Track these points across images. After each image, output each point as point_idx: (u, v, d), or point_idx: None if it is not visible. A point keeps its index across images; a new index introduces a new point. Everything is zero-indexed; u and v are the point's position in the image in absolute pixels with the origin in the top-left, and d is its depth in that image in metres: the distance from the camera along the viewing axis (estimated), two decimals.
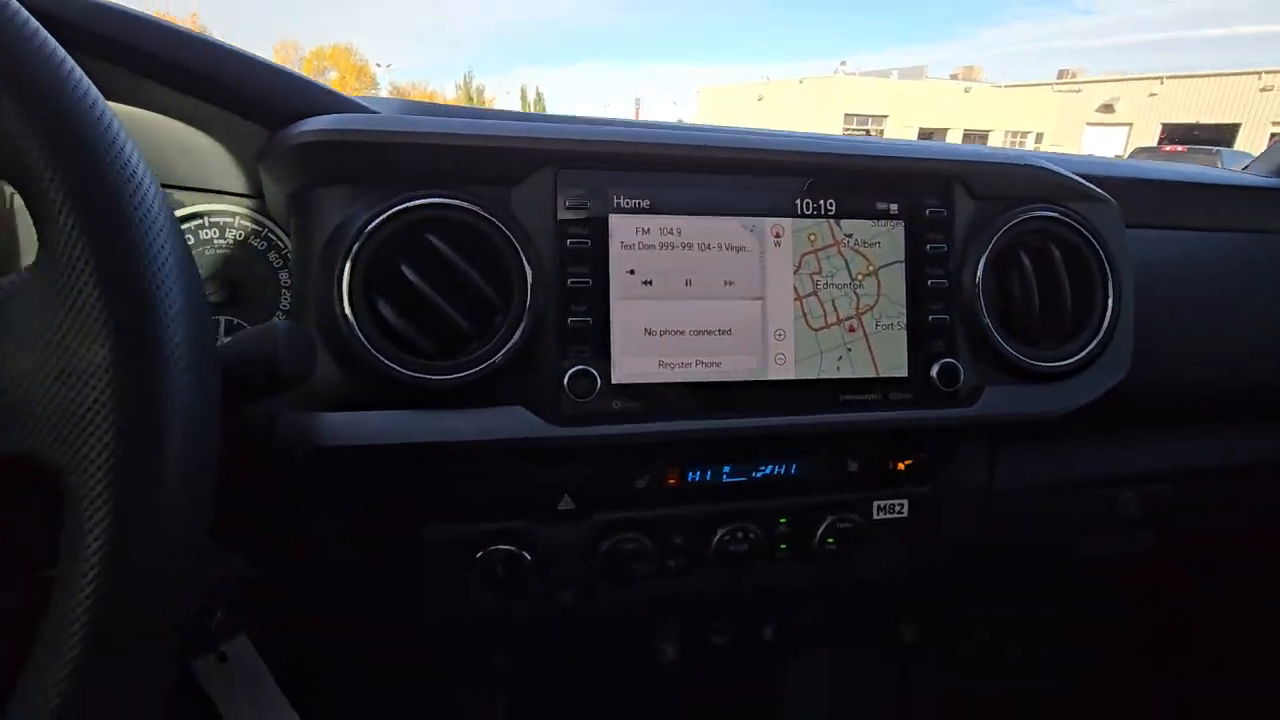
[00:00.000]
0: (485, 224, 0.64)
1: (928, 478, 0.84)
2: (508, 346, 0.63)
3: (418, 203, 0.63)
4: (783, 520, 0.81)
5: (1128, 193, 0.84)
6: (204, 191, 0.79)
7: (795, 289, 0.72)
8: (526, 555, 0.73)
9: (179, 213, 0.79)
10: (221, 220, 0.81)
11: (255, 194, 0.78)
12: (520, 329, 0.63)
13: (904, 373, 0.73)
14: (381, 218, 0.62)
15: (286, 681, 0.68)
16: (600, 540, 0.75)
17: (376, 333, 0.62)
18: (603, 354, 0.67)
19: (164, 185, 0.79)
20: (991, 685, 1.78)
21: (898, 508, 0.84)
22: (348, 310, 0.61)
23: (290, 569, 0.71)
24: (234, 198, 0.80)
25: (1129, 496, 0.94)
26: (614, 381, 0.67)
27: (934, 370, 0.72)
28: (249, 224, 0.82)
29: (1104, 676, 1.55)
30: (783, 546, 0.82)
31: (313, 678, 0.78)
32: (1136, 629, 1.60)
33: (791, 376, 0.71)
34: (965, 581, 0.98)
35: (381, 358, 0.61)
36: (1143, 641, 1.62)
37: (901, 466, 0.80)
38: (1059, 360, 0.76)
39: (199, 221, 0.81)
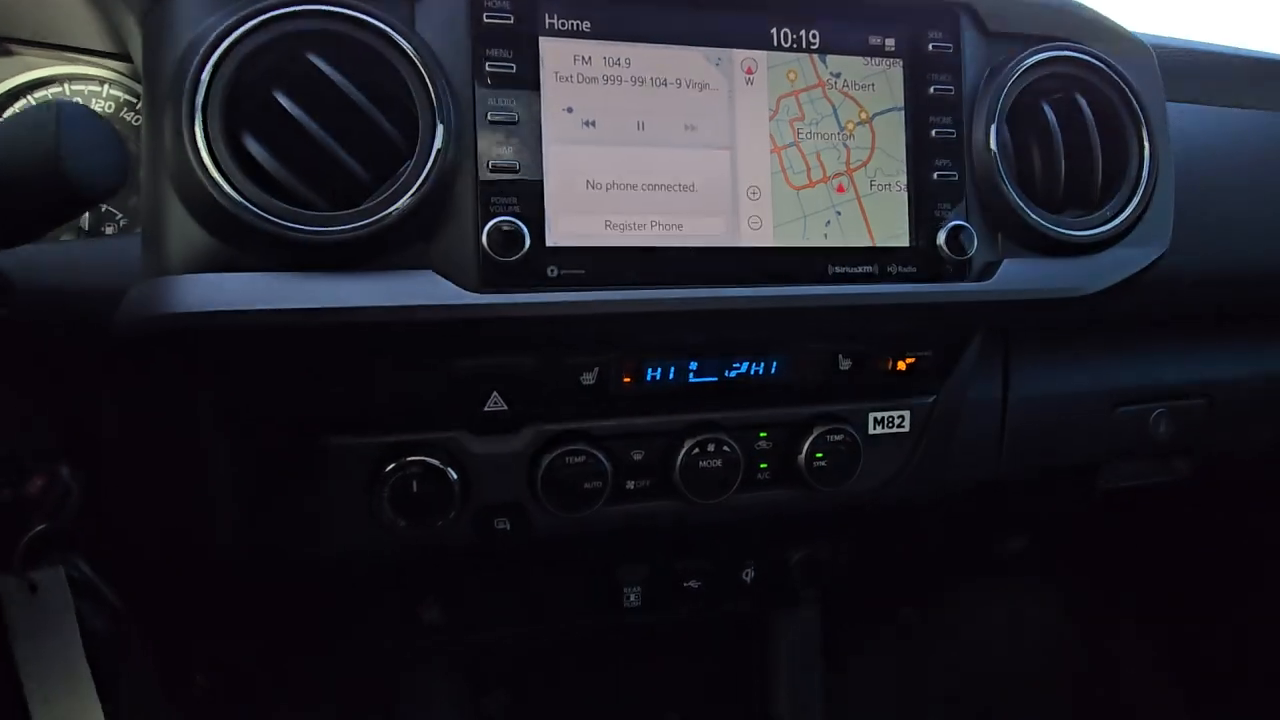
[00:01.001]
0: (383, 42, 0.51)
1: (932, 384, 0.71)
2: (411, 192, 0.50)
3: (296, 8, 0.49)
4: (763, 435, 0.68)
5: (1169, 63, 0.71)
6: (60, 50, 0.66)
7: (772, 138, 0.59)
8: (451, 472, 0.60)
9: (26, 77, 0.65)
10: (86, 88, 0.67)
11: (126, 54, 0.65)
12: (427, 173, 0.50)
13: (905, 241, 0.61)
14: (247, 27, 0.48)
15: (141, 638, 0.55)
16: (542, 454, 0.62)
17: (243, 177, 0.48)
18: (534, 210, 0.53)
19: (5, 40, 0.66)
20: (999, 664, 1.69)
21: (897, 420, 0.72)
22: (200, 144, 0.47)
23: (132, 482, 0.57)
24: (99, 60, 0.67)
25: (1159, 413, 0.82)
26: (549, 244, 0.54)
27: (940, 236, 0.60)
28: (119, 93, 0.68)
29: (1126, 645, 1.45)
30: (763, 466, 0.69)
31: (177, 634, 0.65)
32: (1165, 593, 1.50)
33: (769, 244, 0.58)
34: (974, 522, 0.85)
35: (249, 204, 0.48)
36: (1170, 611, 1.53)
37: (903, 366, 0.68)
38: (1089, 229, 0.63)
39: (56, 89, 0.67)
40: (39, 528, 0.47)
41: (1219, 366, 0.85)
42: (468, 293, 0.51)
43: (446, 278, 0.51)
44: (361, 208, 0.50)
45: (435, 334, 0.52)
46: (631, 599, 0.74)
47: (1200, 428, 0.84)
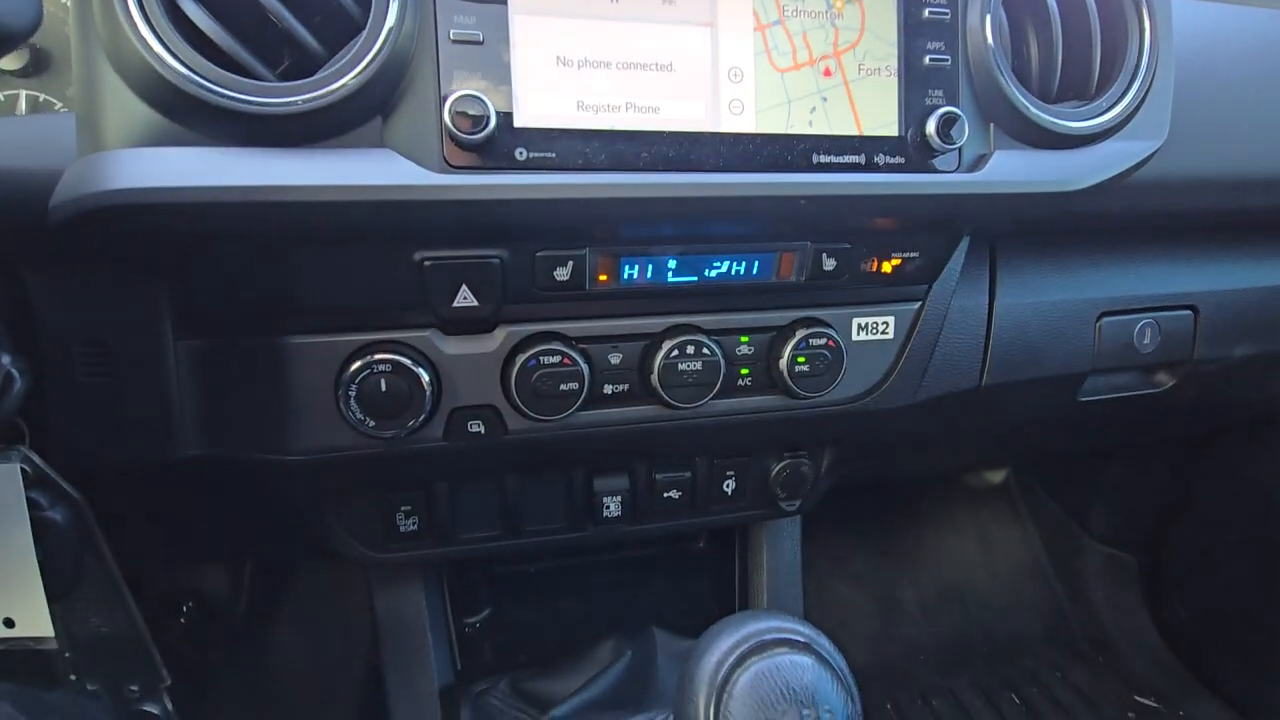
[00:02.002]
0: None
1: (918, 289, 0.70)
2: (366, 62, 0.46)
3: None
4: (744, 339, 0.67)
5: None
6: None
7: (755, 14, 0.55)
8: (422, 372, 0.58)
9: None
10: None
11: None
12: (382, 42, 0.46)
13: (894, 130, 0.58)
14: None
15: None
16: (515, 355, 0.60)
17: (184, 45, 0.44)
18: (501, 87, 0.50)
19: None
20: (972, 583, 1.75)
21: (881, 326, 0.70)
22: (134, 9, 0.43)
23: (80, 378, 0.55)
24: None
25: (1145, 324, 0.81)
26: (517, 125, 0.50)
27: (931, 124, 0.57)
28: None
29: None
30: (744, 372, 0.68)
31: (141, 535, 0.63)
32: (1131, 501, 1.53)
33: (751, 129, 0.55)
34: (955, 428, 0.85)
35: (192, 73, 0.44)
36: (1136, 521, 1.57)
37: (888, 268, 0.66)
38: (1085, 120, 0.61)
39: None
40: None
41: (1206, 278, 0.83)
42: (430, 173, 0.48)
43: (408, 157, 0.48)
44: (314, 78, 0.46)
45: (396, 219, 0.49)
46: (611, 509, 0.74)
47: (1184, 340, 0.84)
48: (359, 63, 0.46)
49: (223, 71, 0.45)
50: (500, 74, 0.50)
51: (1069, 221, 0.75)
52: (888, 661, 1.57)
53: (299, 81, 0.46)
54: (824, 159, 0.56)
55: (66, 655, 0.53)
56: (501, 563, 1.05)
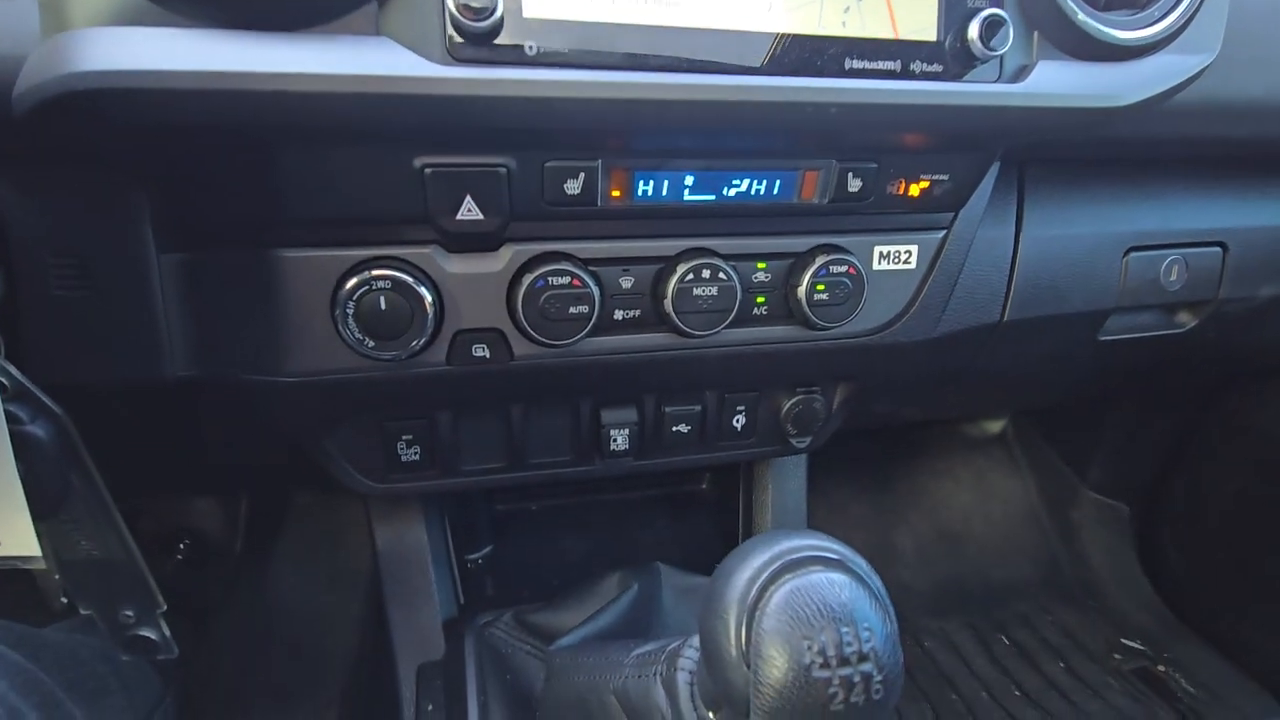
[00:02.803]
0: None
1: (943, 217, 0.66)
2: None
3: None
4: (761, 266, 0.64)
5: None
6: None
7: None
8: (424, 290, 0.54)
9: None
10: None
11: None
12: None
13: (932, 35, 0.53)
14: None
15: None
16: (523, 275, 0.57)
17: None
18: None
19: None
20: (968, 529, 1.76)
21: (904, 255, 0.67)
22: None
23: (60, 290, 0.52)
24: None
25: (1172, 260, 0.78)
26: (526, 14, 0.46)
27: (973, 28, 0.52)
28: None
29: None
30: (760, 300, 0.65)
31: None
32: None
33: (780, 29, 0.51)
34: (971, 366, 0.83)
35: None
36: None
37: (916, 191, 0.62)
38: (1135, 30, 0.56)
39: None
40: None
41: (1237, 214, 0.80)
42: (432, 64, 0.44)
43: (408, 47, 0.44)
44: None
45: (394, 116, 0.45)
46: (619, 442, 0.72)
47: (1211, 278, 0.81)
48: None
49: None
50: None
51: (1102, 148, 0.71)
52: None
53: None
54: (857, 64, 0.52)
55: (56, 578, 0.52)
56: (503, 500, 1.03)
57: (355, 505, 1.47)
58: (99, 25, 0.41)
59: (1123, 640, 1.55)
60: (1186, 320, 0.85)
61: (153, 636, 0.59)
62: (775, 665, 0.29)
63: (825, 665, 0.29)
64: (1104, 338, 0.82)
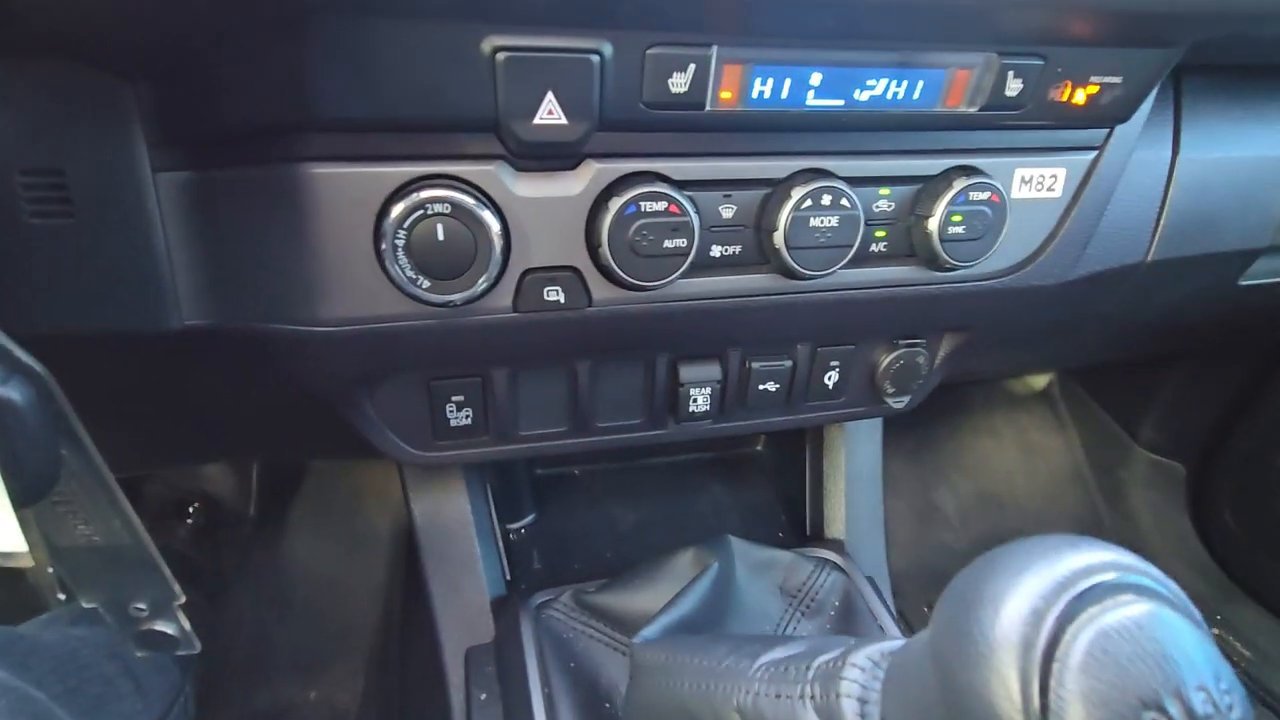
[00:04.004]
0: None
1: (1097, 134, 0.55)
2: None
3: None
4: (885, 192, 0.53)
5: None
6: None
7: None
8: (489, 216, 0.43)
9: None
10: None
11: None
12: None
13: None
14: None
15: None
16: (608, 199, 0.46)
17: None
18: None
19: None
20: (1011, 488, 1.70)
21: (1049, 180, 0.56)
22: None
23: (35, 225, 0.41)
24: None
25: None
26: None
27: None
28: None
29: None
30: (880, 235, 0.54)
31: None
32: None
33: None
34: (1092, 313, 0.72)
35: None
36: None
37: (1083, 97, 0.50)
38: None
39: None
40: None
41: None
42: None
43: None
44: None
45: None
46: (699, 402, 0.62)
47: None
48: None
49: None
50: None
51: (1274, 50, 0.59)
52: (925, 566, 1.54)
53: None
54: None
55: (50, 571, 0.42)
56: (543, 464, 0.94)
57: (377, 467, 1.38)
58: None
59: None
60: None
61: (170, 631, 0.50)
62: None
63: None
64: (1245, 282, 0.72)
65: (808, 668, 0.37)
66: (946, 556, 1.56)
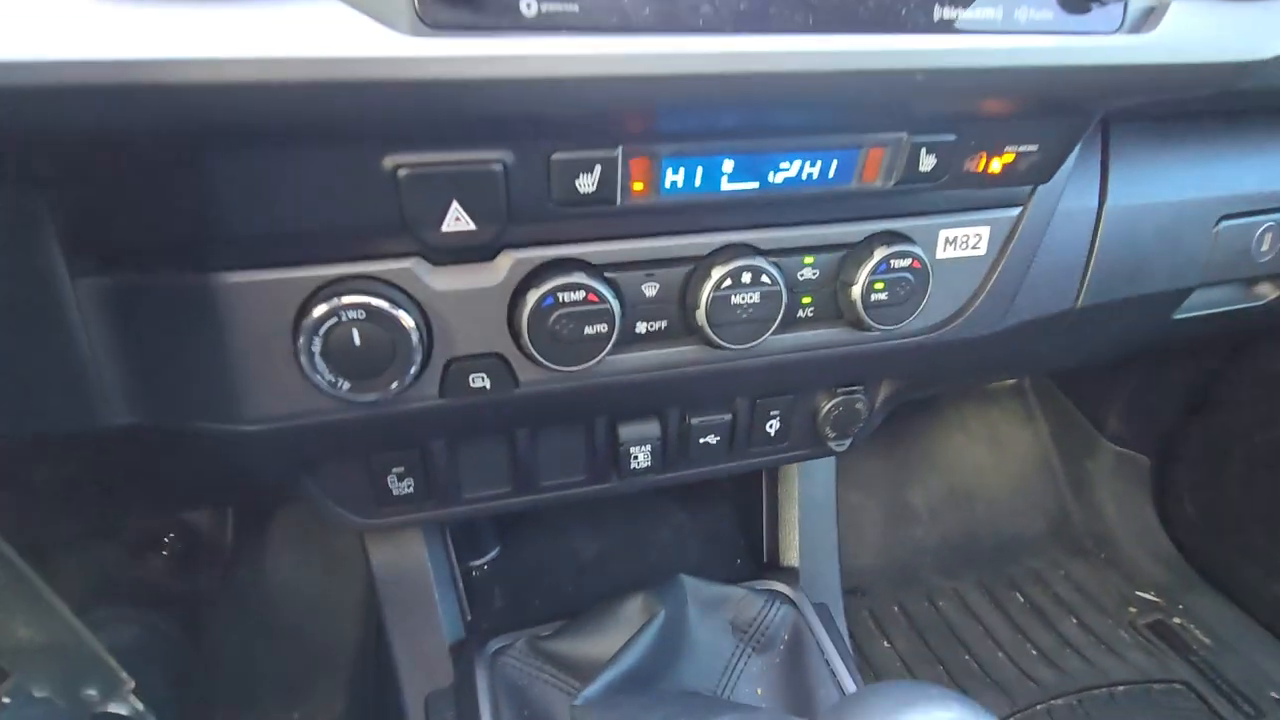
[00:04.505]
0: None
1: (1021, 193, 0.56)
2: None
3: None
4: (808, 261, 0.53)
5: None
6: None
7: None
8: (405, 316, 0.44)
9: None
10: None
11: None
12: None
13: None
14: None
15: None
16: (527, 290, 0.47)
17: None
18: None
19: None
20: (981, 482, 1.73)
21: (974, 239, 0.57)
22: None
23: None
24: None
25: (1267, 227, 0.68)
26: None
27: None
28: None
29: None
30: (806, 301, 0.55)
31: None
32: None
33: None
34: (1032, 353, 0.74)
35: None
36: None
37: (998, 166, 0.51)
38: None
39: None
40: None
41: None
42: (398, 35, 0.32)
43: (361, 10, 0.32)
44: None
45: (350, 108, 0.34)
46: (640, 459, 0.63)
47: None
48: None
49: None
50: None
51: (1206, 100, 0.59)
52: (895, 564, 1.57)
53: None
54: (949, 12, 0.40)
55: None
56: None
57: None
58: None
59: (1137, 593, 1.54)
60: (1267, 293, 0.76)
61: (124, 712, 0.52)
62: None
63: None
64: (1179, 316, 0.73)
65: None
66: (917, 553, 1.59)
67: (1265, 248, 0.69)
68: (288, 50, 0.31)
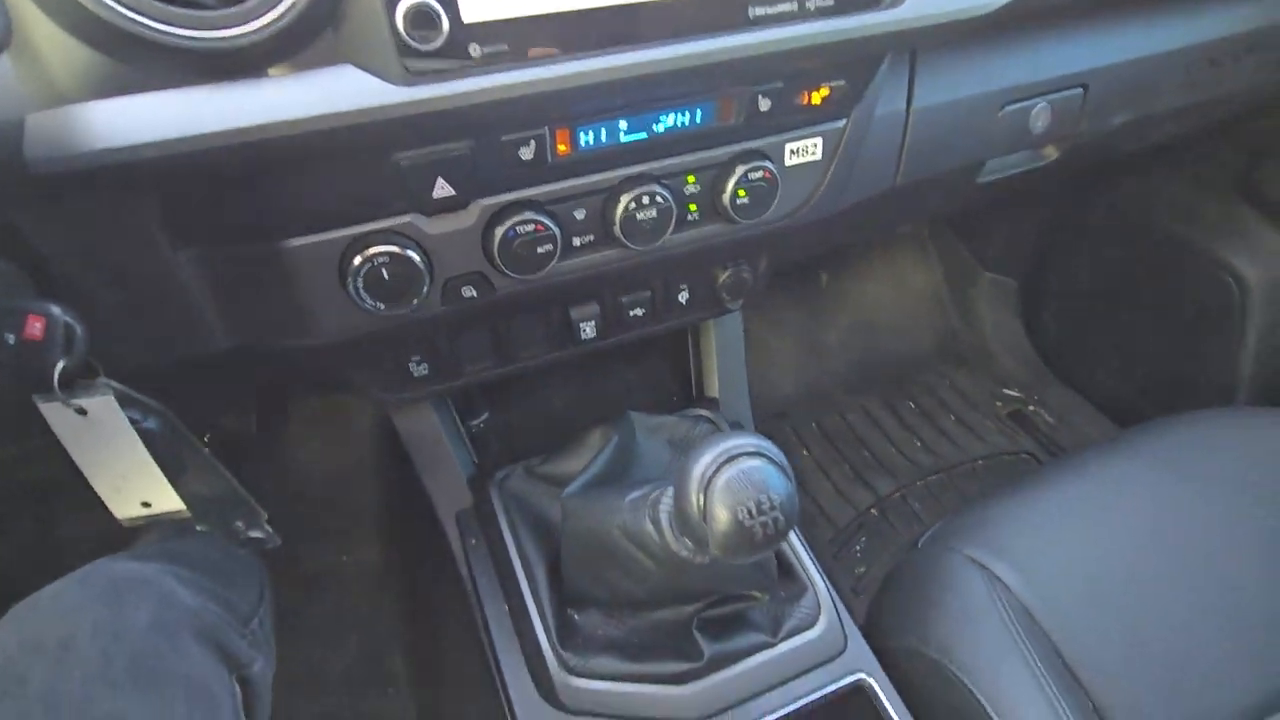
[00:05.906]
0: None
1: (844, 109, 0.76)
2: None
3: None
4: (691, 179, 0.74)
5: None
6: None
7: None
8: (413, 254, 0.65)
9: None
10: None
11: None
12: None
13: None
14: None
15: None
16: (493, 226, 0.67)
17: None
18: None
19: None
20: (883, 316, 2.03)
21: (811, 149, 0.78)
22: None
23: (114, 306, 0.61)
24: None
25: (1039, 107, 0.90)
26: (466, 20, 0.51)
27: None
28: None
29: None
30: (692, 208, 0.76)
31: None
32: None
33: None
34: (871, 218, 0.98)
35: (124, 9, 0.43)
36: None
37: (817, 99, 0.72)
38: None
39: None
40: (62, 364, 0.52)
41: (1096, 55, 0.91)
42: (393, 87, 0.51)
43: (368, 71, 0.50)
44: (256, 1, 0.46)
45: (362, 136, 0.52)
46: (587, 331, 0.87)
47: (1073, 117, 0.94)
48: None
49: (163, 5, 0.44)
50: None
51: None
52: (811, 389, 1.89)
53: (246, 5, 0.46)
54: (760, 12, 0.59)
55: (188, 516, 0.68)
56: None
57: None
58: (90, 96, 0.46)
59: (1004, 390, 1.92)
60: (1051, 154, 0.99)
61: (260, 535, 0.78)
62: (721, 519, 0.49)
63: (750, 516, 0.49)
64: (981, 179, 0.97)
65: (647, 499, 0.67)
66: (829, 378, 1.92)
67: (1040, 122, 0.91)
68: (331, 106, 0.49)
